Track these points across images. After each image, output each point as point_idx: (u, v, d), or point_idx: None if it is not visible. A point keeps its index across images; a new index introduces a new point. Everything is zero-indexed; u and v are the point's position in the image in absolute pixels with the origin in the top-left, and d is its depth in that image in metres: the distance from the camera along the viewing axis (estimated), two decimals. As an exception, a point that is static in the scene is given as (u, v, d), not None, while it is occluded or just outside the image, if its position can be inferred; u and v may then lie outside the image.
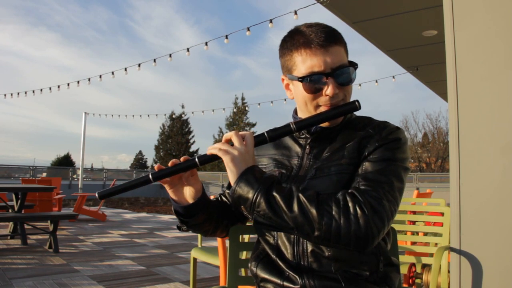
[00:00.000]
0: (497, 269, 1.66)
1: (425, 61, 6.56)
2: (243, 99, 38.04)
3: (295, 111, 1.17)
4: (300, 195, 0.92)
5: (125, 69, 10.26)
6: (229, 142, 1.00)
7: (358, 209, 0.90)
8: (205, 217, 1.11)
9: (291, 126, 1.02)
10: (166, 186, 1.07)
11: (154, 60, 9.74)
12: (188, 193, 1.08)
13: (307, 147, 1.11)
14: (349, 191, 0.95)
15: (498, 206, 1.69)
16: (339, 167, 1.02)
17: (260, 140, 1.02)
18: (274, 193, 0.92)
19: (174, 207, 1.10)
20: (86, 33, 65.51)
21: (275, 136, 1.03)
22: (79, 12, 65.61)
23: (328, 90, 1.00)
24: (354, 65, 1.05)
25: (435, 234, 2.50)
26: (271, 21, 7.20)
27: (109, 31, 67.99)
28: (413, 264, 2.14)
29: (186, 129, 38.70)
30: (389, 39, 5.65)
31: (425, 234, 2.84)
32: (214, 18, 70.55)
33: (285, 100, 14.83)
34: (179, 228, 1.16)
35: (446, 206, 2.43)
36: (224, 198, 1.24)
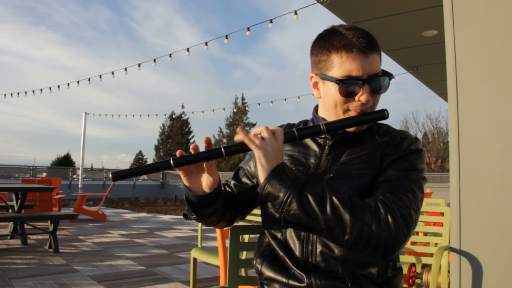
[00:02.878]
0: (497, 269, 1.66)
1: (425, 61, 6.56)
2: (243, 99, 37.91)
3: (316, 109, 1.16)
4: (333, 197, 0.92)
5: (125, 69, 10.25)
6: (258, 136, 0.99)
7: (389, 216, 0.91)
8: (215, 208, 1.09)
9: (321, 127, 1.02)
10: (181, 173, 1.04)
11: (154, 60, 9.73)
12: (205, 183, 1.06)
13: (326, 147, 1.10)
14: (380, 197, 0.96)
15: (498, 206, 1.69)
16: (360, 171, 1.03)
17: (289, 137, 1.02)
18: (307, 194, 0.92)
19: (187, 195, 1.08)
20: (86, 33, 65.37)
21: (304, 135, 1.03)
22: (79, 12, 65.49)
23: (362, 96, 1.01)
24: (389, 75, 1.05)
25: (435, 234, 2.50)
26: (271, 21, 7.20)
27: (109, 30, 67.97)
28: (413, 264, 2.14)
29: (186, 129, 38.66)
30: (389, 39, 5.65)
31: (425, 234, 2.84)
32: (214, 18, 70.55)
33: (285, 100, 14.82)
34: (185, 216, 1.13)
35: (446, 206, 2.43)
36: (227, 188, 1.22)
